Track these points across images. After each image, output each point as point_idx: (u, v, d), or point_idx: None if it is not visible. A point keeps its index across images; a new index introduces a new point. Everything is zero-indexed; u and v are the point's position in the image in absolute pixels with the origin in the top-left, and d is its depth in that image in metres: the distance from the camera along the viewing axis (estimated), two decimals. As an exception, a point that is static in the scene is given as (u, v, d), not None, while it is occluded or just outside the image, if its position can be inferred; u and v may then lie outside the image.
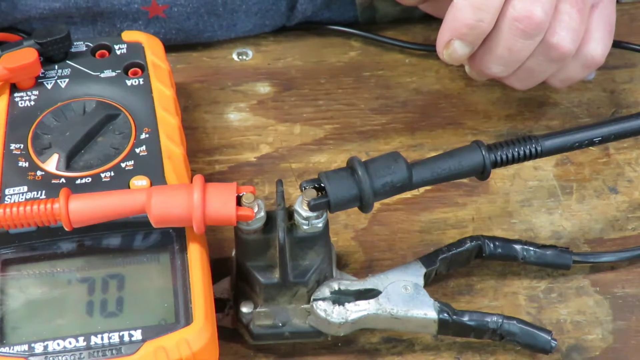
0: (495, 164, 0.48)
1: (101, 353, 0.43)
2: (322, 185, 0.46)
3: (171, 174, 0.49)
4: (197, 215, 0.44)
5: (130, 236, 0.47)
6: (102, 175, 0.49)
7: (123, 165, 0.49)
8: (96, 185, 0.48)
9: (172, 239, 0.47)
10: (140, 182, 0.48)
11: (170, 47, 0.62)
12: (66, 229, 0.45)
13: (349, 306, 0.47)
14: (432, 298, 0.48)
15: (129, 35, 0.57)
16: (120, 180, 0.48)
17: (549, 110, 0.62)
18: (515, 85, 0.57)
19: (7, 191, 0.48)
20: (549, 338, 0.48)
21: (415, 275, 0.49)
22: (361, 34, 0.66)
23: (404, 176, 0.46)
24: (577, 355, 0.49)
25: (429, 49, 0.65)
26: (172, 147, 0.51)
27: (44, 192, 0.47)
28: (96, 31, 0.64)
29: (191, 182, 0.47)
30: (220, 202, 0.45)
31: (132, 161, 0.50)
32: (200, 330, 0.44)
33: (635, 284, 0.52)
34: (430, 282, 0.50)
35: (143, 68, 0.55)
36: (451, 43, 0.53)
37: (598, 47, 0.54)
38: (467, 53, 0.53)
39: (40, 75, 0.54)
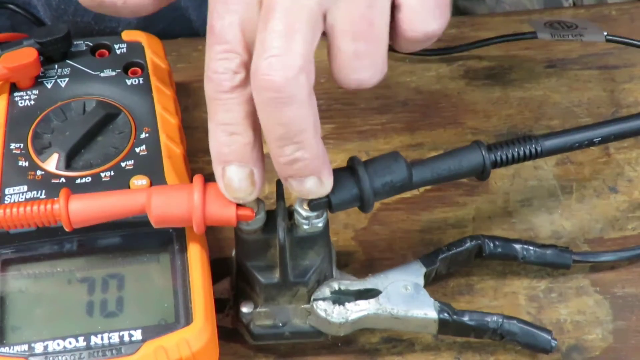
0: (495, 164, 0.48)
1: (101, 353, 0.43)
2: (322, 185, 0.46)
3: (171, 174, 0.49)
4: (197, 216, 0.44)
5: (130, 236, 0.47)
6: (102, 174, 0.49)
7: (123, 164, 0.49)
8: (96, 184, 0.48)
9: (172, 239, 0.47)
10: (140, 181, 0.48)
11: (171, 47, 0.62)
12: (66, 230, 0.45)
13: (349, 306, 0.47)
14: (432, 298, 0.48)
15: (129, 35, 0.57)
16: (120, 180, 0.48)
17: (549, 110, 0.62)
18: None
19: (7, 191, 0.48)
20: (549, 338, 0.48)
21: (415, 275, 0.49)
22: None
23: (404, 176, 0.46)
24: (577, 355, 0.49)
25: (426, 55, 0.65)
26: (172, 146, 0.51)
27: (44, 191, 0.48)
28: None
29: (191, 182, 0.47)
30: (220, 202, 0.45)
31: (132, 161, 0.50)
32: (200, 330, 0.44)
33: (635, 283, 0.52)
34: (430, 282, 0.50)
35: (143, 67, 0.55)
36: (225, 172, 0.44)
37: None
38: (247, 174, 0.44)
39: (40, 74, 0.54)
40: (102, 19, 0.66)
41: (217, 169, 0.44)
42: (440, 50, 0.65)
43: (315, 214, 0.46)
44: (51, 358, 0.43)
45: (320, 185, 0.44)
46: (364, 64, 0.42)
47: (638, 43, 0.63)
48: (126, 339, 0.44)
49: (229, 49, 0.42)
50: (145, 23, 0.67)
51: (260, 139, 0.44)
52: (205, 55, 0.43)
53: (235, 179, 0.44)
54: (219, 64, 0.43)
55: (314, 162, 0.43)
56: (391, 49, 0.44)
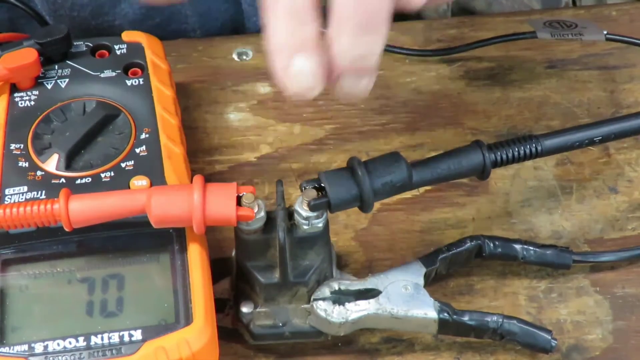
0: (496, 164, 0.48)
1: (101, 353, 0.43)
2: (322, 185, 0.46)
3: (171, 174, 0.49)
4: (197, 216, 0.44)
5: (130, 236, 0.47)
6: (102, 175, 0.49)
7: (123, 165, 0.49)
8: (96, 185, 0.48)
9: (172, 239, 0.47)
10: (140, 182, 0.48)
11: (171, 48, 0.62)
12: (66, 230, 0.45)
13: (349, 306, 0.47)
14: (432, 298, 0.48)
15: (129, 35, 0.57)
16: (120, 180, 0.48)
17: (549, 110, 0.62)
18: None
19: (7, 191, 0.48)
20: (549, 337, 0.48)
21: (415, 275, 0.49)
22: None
23: (404, 176, 0.46)
24: (577, 355, 0.49)
25: (426, 55, 0.65)
26: (172, 147, 0.51)
27: (44, 192, 0.47)
28: None
29: (191, 182, 0.47)
30: (220, 203, 0.45)
31: (132, 161, 0.50)
32: (200, 330, 0.44)
33: (635, 284, 0.52)
34: (430, 282, 0.50)
35: (143, 68, 0.55)
36: (293, 62, 0.40)
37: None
38: (318, 65, 0.40)
39: (40, 75, 0.54)
40: (99, 13, 0.66)
41: (280, 61, 0.40)
42: (440, 51, 0.65)
43: (315, 214, 0.46)
44: (51, 358, 0.43)
45: (369, 86, 0.42)
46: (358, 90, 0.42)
47: (638, 42, 0.63)
48: (126, 339, 0.44)
49: None
50: (141, 17, 0.67)
51: None
52: None
53: (307, 68, 0.40)
54: None
55: (379, 58, 0.40)
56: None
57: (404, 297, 0.48)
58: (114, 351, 0.43)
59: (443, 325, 0.48)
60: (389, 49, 0.65)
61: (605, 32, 0.61)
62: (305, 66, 0.40)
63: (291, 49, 0.40)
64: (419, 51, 0.65)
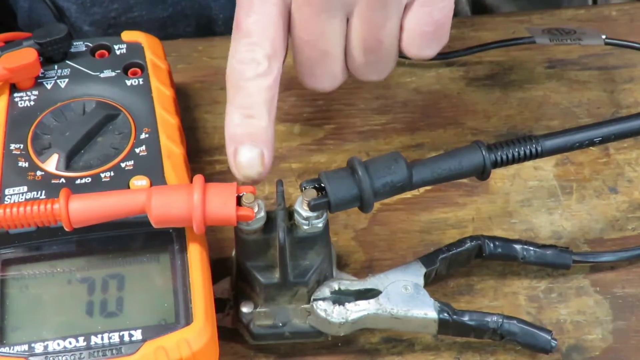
0: (496, 164, 0.48)
1: (101, 353, 0.43)
2: (322, 185, 0.46)
3: (171, 174, 0.49)
4: (197, 216, 0.44)
5: (130, 236, 0.47)
6: (102, 175, 0.49)
7: (123, 165, 0.49)
8: (96, 185, 0.48)
9: (172, 239, 0.47)
10: (140, 182, 0.48)
11: (171, 48, 0.62)
12: (66, 229, 0.45)
13: (349, 306, 0.47)
14: (432, 298, 0.48)
15: (129, 35, 0.57)
16: (120, 180, 0.48)
17: (549, 110, 0.62)
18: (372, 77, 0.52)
19: (7, 191, 0.48)
20: (549, 338, 0.48)
21: (415, 275, 0.49)
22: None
23: (404, 176, 0.46)
24: (577, 355, 0.49)
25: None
26: (172, 147, 0.51)
27: (43, 192, 0.48)
28: None
29: (191, 182, 0.47)
30: (221, 202, 0.45)
31: (132, 161, 0.50)
32: (200, 330, 0.44)
33: (635, 284, 0.52)
34: (430, 282, 0.50)
35: (143, 68, 0.55)
36: (237, 151, 0.46)
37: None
38: (258, 155, 0.46)
39: (40, 75, 0.54)
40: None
41: (229, 149, 0.47)
42: (440, 55, 0.65)
43: (315, 214, 0.46)
44: (51, 358, 0.43)
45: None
46: (373, 70, 0.50)
47: (637, 45, 0.63)
48: (126, 339, 0.44)
49: (254, 42, 0.47)
50: (166, 26, 0.68)
51: (273, 122, 0.47)
52: (230, 48, 0.47)
53: (246, 158, 0.46)
54: (245, 55, 0.47)
55: None
56: None
57: (404, 297, 0.48)
58: (114, 351, 0.43)
59: (443, 326, 0.48)
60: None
61: (604, 37, 0.61)
62: (248, 154, 0.46)
63: (238, 140, 0.46)
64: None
